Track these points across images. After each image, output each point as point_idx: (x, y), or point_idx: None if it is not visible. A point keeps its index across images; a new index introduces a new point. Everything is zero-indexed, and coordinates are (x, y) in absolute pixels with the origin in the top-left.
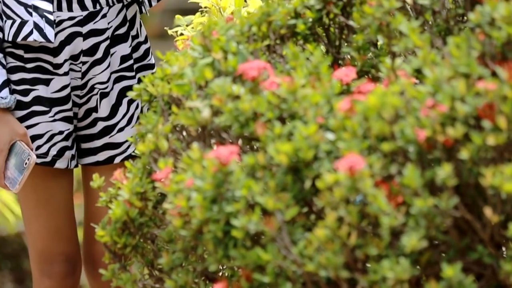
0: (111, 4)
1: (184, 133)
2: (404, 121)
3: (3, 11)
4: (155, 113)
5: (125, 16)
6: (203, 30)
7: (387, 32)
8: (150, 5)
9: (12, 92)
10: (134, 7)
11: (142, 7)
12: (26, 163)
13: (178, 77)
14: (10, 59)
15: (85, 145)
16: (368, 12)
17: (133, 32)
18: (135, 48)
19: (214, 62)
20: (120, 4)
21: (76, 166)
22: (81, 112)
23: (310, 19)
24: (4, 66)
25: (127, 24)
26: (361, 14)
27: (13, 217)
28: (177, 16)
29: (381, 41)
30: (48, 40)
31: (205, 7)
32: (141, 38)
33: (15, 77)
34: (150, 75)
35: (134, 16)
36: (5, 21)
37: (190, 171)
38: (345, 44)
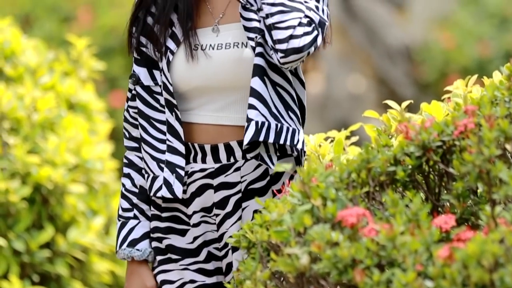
0: (248, 158)
1: (283, 280)
2: (504, 269)
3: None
4: (254, 260)
5: (266, 170)
6: (303, 177)
7: (487, 179)
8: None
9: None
10: (283, 162)
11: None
12: None
13: (277, 224)
14: (151, 208)
15: None
16: (468, 159)
17: (276, 187)
18: None
19: (313, 208)
20: (275, 156)
21: None
22: (223, 266)
23: (410, 166)
24: (148, 218)
25: (268, 178)
26: (461, 161)
27: None
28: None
29: (481, 188)
30: (175, 196)
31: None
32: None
33: (151, 225)
34: (249, 221)
35: (282, 172)
36: (145, 175)
37: None
38: (445, 191)
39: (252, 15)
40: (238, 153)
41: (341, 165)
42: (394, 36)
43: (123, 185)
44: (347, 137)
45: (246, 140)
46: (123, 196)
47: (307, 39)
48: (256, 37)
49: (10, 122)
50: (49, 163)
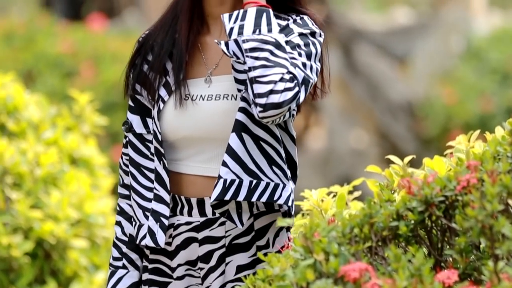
0: (217, 215)
1: None
2: None
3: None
4: None
5: (251, 225)
6: (305, 232)
7: (489, 234)
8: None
9: None
10: (269, 218)
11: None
12: None
13: (279, 279)
14: (143, 260)
15: None
16: (471, 214)
17: (260, 242)
18: (258, 260)
19: (315, 263)
20: (247, 214)
21: None
22: None
23: (412, 221)
24: (137, 267)
25: (253, 233)
26: (463, 216)
27: None
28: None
29: (483, 243)
30: (158, 245)
31: (307, 210)
32: (273, 249)
33: (143, 276)
34: (251, 276)
35: (267, 226)
36: (133, 223)
37: None
38: (447, 246)
39: (244, 67)
40: None
41: (343, 220)
42: (396, 91)
43: (115, 233)
44: (350, 192)
45: (212, 198)
46: (114, 245)
47: (288, 95)
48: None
49: (12, 177)
50: (51, 218)
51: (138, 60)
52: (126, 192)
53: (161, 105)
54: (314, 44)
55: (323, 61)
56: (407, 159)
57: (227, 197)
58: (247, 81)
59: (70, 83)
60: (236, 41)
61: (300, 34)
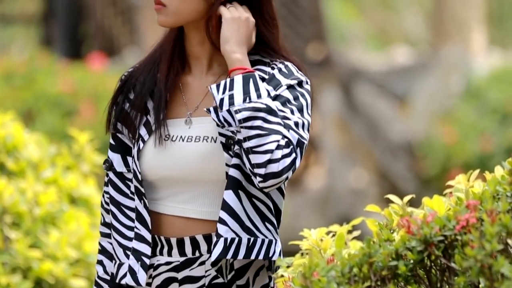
0: (210, 268)
1: None
2: None
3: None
4: None
5: (231, 264)
6: (304, 271)
7: (489, 274)
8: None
9: None
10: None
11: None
12: None
13: None
14: None
15: None
16: (470, 254)
17: (240, 282)
18: None
19: None
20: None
21: None
22: None
23: (412, 261)
24: None
25: (233, 273)
26: (462, 256)
27: None
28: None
29: (482, 283)
30: (139, 284)
31: (306, 249)
32: None
33: None
34: None
35: (247, 265)
36: (113, 262)
37: None
38: (447, 286)
39: (227, 133)
40: (204, 247)
41: (342, 259)
42: (396, 131)
43: (96, 272)
44: (349, 232)
45: (213, 257)
46: (96, 284)
47: (286, 161)
48: (231, 143)
49: (11, 217)
50: (50, 257)
51: (120, 98)
52: (107, 231)
53: (141, 145)
54: (303, 95)
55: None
56: (407, 198)
57: (229, 256)
58: (242, 150)
59: (70, 122)
60: (228, 111)
61: (289, 87)
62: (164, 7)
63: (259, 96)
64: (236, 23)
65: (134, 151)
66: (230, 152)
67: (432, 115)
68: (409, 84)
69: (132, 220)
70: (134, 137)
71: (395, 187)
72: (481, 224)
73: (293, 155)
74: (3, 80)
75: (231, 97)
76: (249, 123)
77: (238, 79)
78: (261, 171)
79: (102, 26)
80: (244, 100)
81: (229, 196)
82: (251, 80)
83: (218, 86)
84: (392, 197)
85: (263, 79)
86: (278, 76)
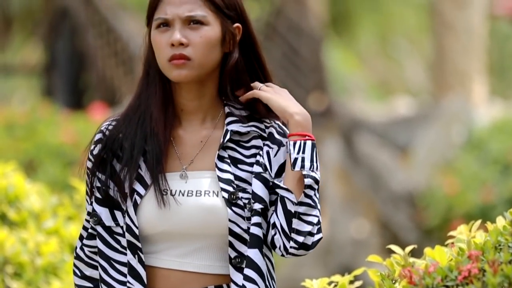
0: None
1: None
2: None
3: None
4: None
5: None
6: None
7: None
8: None
9: None
10: None
11: None
12: None
13: None
14: None
15: None
16: None
17: None
18: None
19: None
20: None
21: None
22: None
23: None
24: None
25: None
26: None
27: None
28: None
29: None
30: None
31: None
32: None
33: None
34: None
35: None
36: None
37: None
38: None
39: (226, 167)
40: None
41: None
42: (398, 181)
43: None
44: (351, 282)
45: None
46: None
47: (316, 237)
48: (233, 198)
49: (13, 267)
50: None
51: (107, 154)
52: (88, 284)
53: (138, 199)
54: None
55: None
56: (408, 248)
57: None
58: (281, 209)
59: (72, 172)
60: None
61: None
62: (188, 61)
63: (317, 168)
64: (282, 93)
65: (128, 206)
66: (234, 208)
67: (434, 166)
68: (410, 134)
69: (124, 275)
70: (123, 192)
71: (397, 237)
72: (483, 274)
73: (320, 234)
74: (4, 130)
75: (303, 160)
76: (308, 191)
77: (309, 145)
78: (299, 239)
79: (104, 76)
80: (310, 168)
81: (256, 255)
82: (315, 150)
83: (294, 145)
84: (394, 247)
85: (260, 136)
86: (278, 137)
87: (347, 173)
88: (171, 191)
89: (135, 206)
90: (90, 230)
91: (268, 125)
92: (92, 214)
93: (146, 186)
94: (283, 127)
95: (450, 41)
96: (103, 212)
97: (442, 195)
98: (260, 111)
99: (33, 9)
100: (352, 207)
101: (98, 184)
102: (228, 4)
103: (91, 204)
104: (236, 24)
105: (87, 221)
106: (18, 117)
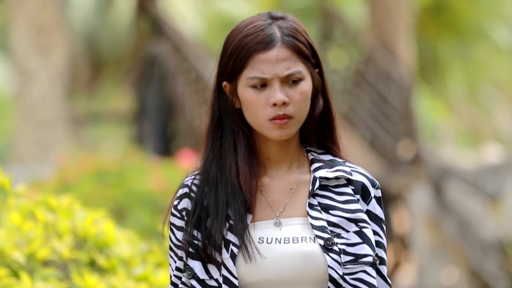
0: None
1: None
2: None
3: None
4: None
5: None
6: None
7: None
8: None
9: None
10: None
11: None
12: None
13: None
14: None
15: None
16: None
17: None
18: None
19: None
20: None
21: None
22: None
23: None
24: None
25: None
26: None
27: None
28: None
29: None
30: None
31: None
32: None
33: None
34: None
35: None
36: None
37: None
38: None
39: (317, 214)
40: None
41: None
42: (487, 229)
43: None
44: None
45: None
46: None
47: None
48: (329, 244)
49: None
50: None
51: (199, 211)
52: None
53: (234, 249)
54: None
55: None
56: None
57: None
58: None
59: (161, 219)
60: None
61: (376, 199)
62: (290, 119)
63: None
64: None
65: (225, 258)
66: (331, 254)
67: None
68: (500, 182)
69: None
70: (218, 245)
71: (487, 285)
72: None
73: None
74: (94, 178)
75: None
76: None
77: None
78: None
79: (192, 124)
80: None
81: None
82: None
83: None
84: None
85: (348, 181)
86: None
87: (436, 220)
88: (266, 239)
89: (233, 257)
90: (180, 286)
91: (353, 168)
92: (185, 268)
93: (240, 236)
94: (367, 173)
95: None
96: (197, 266)
97: None
98: (339, 155)
99: (123, 57)
100: (441, 254)
101: (190, 239)
102: (312, 52)
103: (181, 259)
104: (317, 70)
105: (177, 277)
106: (108, 164)
